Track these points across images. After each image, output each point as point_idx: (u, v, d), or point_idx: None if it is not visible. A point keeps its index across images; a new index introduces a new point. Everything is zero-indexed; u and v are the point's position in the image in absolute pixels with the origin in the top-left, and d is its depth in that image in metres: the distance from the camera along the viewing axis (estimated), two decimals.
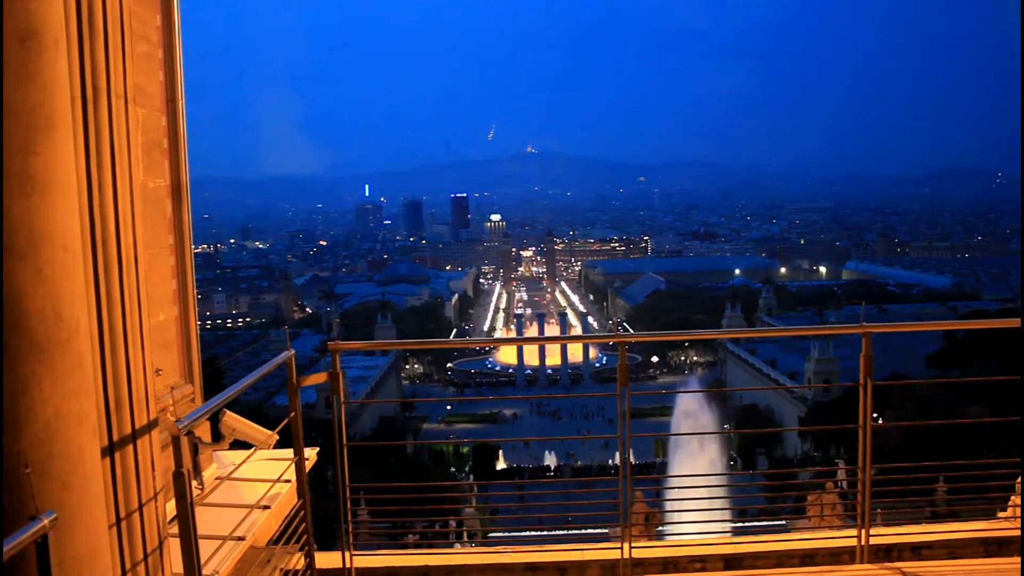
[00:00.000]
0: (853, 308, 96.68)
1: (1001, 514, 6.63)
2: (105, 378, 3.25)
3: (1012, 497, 6.52)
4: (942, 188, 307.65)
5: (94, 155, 3.22)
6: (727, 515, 7.59)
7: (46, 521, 2.51)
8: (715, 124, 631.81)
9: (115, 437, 3.28)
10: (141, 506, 3.39)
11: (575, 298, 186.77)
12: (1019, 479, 6.54)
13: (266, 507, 5.02)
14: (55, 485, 2.84)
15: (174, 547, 3.71)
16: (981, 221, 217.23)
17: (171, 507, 3.73)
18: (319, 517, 6.85)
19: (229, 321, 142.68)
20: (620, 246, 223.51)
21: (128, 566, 3.30)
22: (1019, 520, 6.33)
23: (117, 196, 3.34)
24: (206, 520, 4.63)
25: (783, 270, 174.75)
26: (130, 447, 3.36)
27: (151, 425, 3.53)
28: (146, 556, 3.39)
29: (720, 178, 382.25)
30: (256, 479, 5.23)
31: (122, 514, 3.29)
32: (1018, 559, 6.14)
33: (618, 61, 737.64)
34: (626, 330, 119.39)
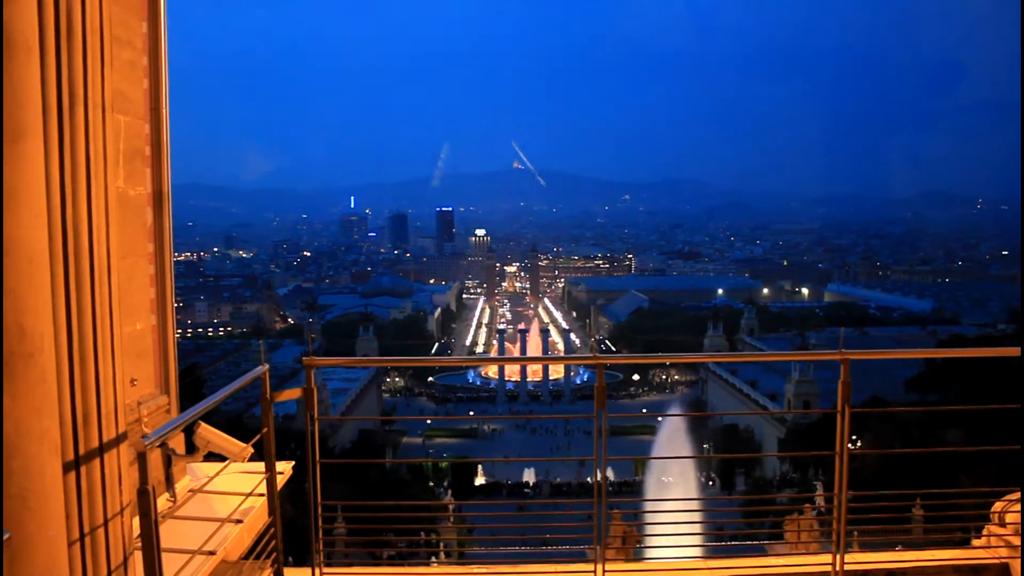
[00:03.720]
0: (834, 330, 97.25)
1: (976, 542, 6.63)
2: (73, 391, 3.17)
3: (987, 526, 6.53)
4: (924, 212, 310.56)
5: (68, 164, 3.16)
6: (704, 537, 7.57)
7: None
8: (701, 144, 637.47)
9: (81, 451, 3.20)
10: (107, 521, 3.31)
11: (558, 315, 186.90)
12: (994, 506, 6.55)
13: (239, 521, 4.95)
14: (13, 503, 2.78)
15: (142, 562, 3.64)
16: (961, 246, 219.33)
17: (139, 520, 3.67)
18: (298, 531, 6.78)
19: (210, 330, 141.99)
20: (604, 264, 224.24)
21: None
22: (993, 549, 6.34)
23: (91, 205, 3.28)
24: (178, 533, 4.56)
25: (765, 291, 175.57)
26: (97, 461, 3.28)
27: (120, 439, 3.46)
28: (110, 572, 3.32)
29: (705, 198, 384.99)
30: (229, 492, 5.17)
31: (86, 529, 3.21)
32: None
33: (606, 80, 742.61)
34: (607, 349, 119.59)
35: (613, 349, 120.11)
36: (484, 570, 6.31)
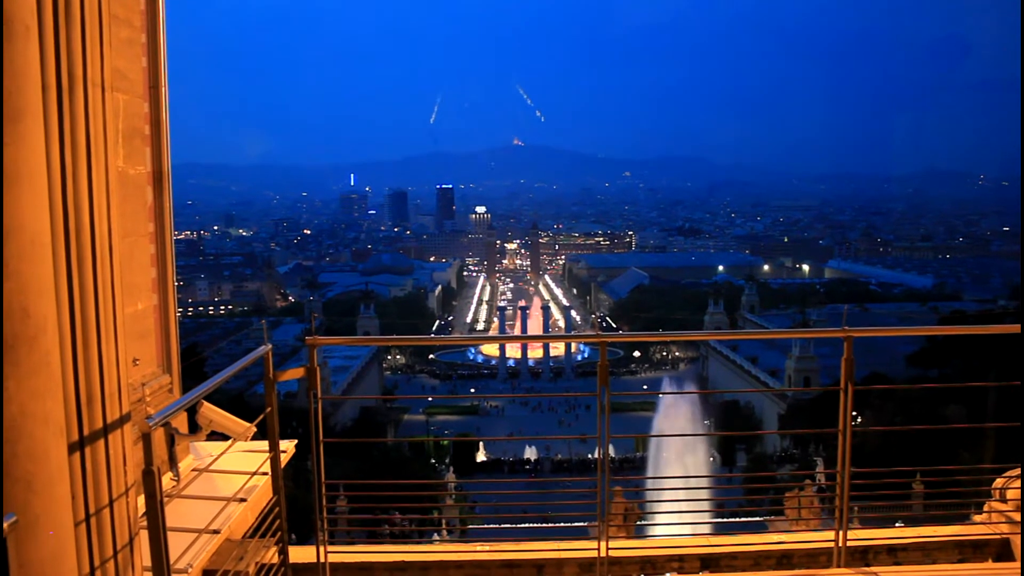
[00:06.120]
0: (835, 307, 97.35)
1: (976, 517, 6.65)
2: (76, 372, 3.17)
3: (988, 502, 6.55)
4: (925, 188, 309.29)
5: (68, 145, 3.14)
6: (706, 513, 7.60)
7: (5, 525, 2.45)
8: (702, 120, 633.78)
9: (86, 432, 3.21)
10: (112, 502, 3.32)
11: (559, 292, 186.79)
12: (995, 482, 6.57)
13: (242, 500, 4.97)
14: (19, 486, 2.78)
15: (146, 540, 3.65)
16: (962, 223, 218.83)
17: (144, 500, 3.68)
18: (301, 508, 6.79)
19: (211, 309, 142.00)
20: (604, 241, 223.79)
21: (97, 563, 3.24)
22: (994, 524, 6.36)
23: (92, 186, 3.26)
24: (182, 512, 4.58)
25: (766, 267, 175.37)
26: (101, 442, 3.28)
27: (123, 419, 3.46)
28: (116, 552, 3.33)
29: (705, 174, 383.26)
30: (233, 471, 5.18)
31: (92, 510, 3.22)
32: (991, 563, 6.18)
33: (605, 57, 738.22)
34: (608, 326, 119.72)
35: (614, 326, 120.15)
36: (487, 547, 6.33)
